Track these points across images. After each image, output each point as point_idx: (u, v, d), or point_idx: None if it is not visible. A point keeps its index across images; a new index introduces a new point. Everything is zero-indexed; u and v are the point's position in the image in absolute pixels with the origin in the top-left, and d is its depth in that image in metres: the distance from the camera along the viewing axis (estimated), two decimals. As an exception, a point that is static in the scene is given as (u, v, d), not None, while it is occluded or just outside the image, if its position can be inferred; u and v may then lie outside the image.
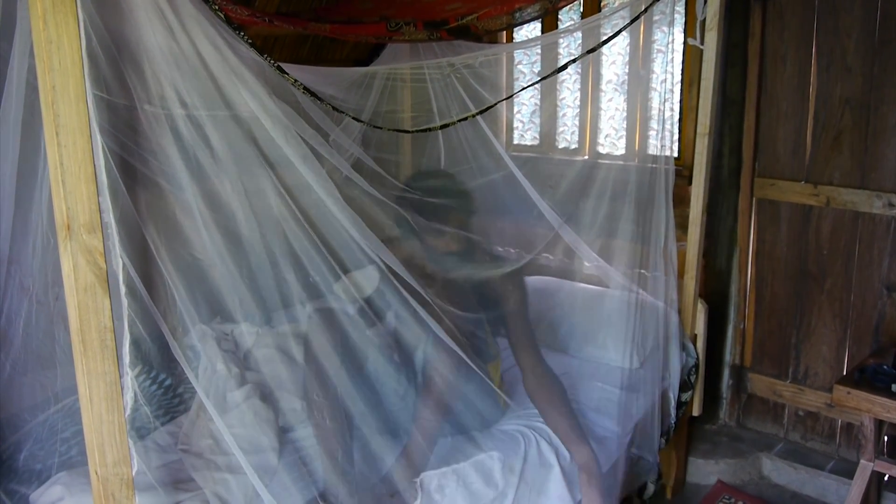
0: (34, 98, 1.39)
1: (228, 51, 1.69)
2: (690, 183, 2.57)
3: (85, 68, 1.04)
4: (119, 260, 1.25)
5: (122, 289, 1.26)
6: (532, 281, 2.77)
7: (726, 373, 3.06)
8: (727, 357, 3.04)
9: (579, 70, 3.02)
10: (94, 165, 1.03)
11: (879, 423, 2.34)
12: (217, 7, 1.41)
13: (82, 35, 0.98)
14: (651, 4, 2.14)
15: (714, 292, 2.94)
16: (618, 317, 2.40)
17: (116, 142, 1.66)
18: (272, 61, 1.57)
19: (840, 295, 2.73)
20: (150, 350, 1.82)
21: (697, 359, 2.64)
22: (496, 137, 2.68)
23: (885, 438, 2.44)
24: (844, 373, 2.68)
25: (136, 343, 1.55)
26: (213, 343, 2.22)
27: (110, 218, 1.18)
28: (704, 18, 2.38)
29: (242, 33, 1.56)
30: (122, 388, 1.16)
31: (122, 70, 1.64)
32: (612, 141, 3.05)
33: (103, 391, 1.07)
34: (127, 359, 1.33)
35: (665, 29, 2.57)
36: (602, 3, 3.04)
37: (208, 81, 1.75)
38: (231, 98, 1.88)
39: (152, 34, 1.57)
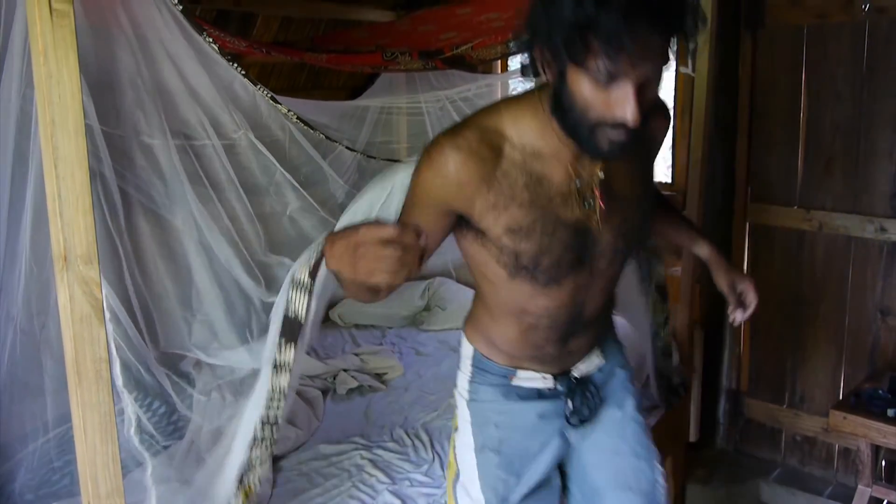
0: (28, 127, 1.41)
1: (219, 83, 1.71)
2: (684, 208, 2.58)
3: (83, 94, 1.05)
4: (113, 290, 1.26)
5: (107, 315, 1.27)
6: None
7: (723, 398, 3.05)
8: (724, 382, 3.04)
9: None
10: (91, 196, 1.04)
11: (876, 448, 2.33)
12: (211, 39, 1.43)
13: (86, 90, 1.00)
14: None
15: (709, 318, 2.94)
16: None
17: (109, 169, 1.67)
18: (266, 92, 1.59)
19: (835, 319, 2.74)
20: (143, 377, 1.82)
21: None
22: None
23: (883, 463, 2.44)
24: (840, 397, 2.68)
25: (127, 369, 1.55)
26: (209, 369, 2.21)
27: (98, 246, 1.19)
28: (695, 46, 2.41)
29: (236, 64, 1.58)
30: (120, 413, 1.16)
31: (111, 100, 1.66)
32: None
33: (98, 422, 1.07)
34: (119, 381, 1.33)
35: (657, 57, 2.61)
36: (595, 32, 3.08)
37: (197, 112, 1.77)
38: (223, 127, 1.90)
39: (143, 67, 1.60)
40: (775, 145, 2.79)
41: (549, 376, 1.32)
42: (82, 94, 1.00)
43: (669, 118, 1.29)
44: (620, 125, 1.01)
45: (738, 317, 1.44)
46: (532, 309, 1.22)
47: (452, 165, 1.09)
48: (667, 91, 2.70)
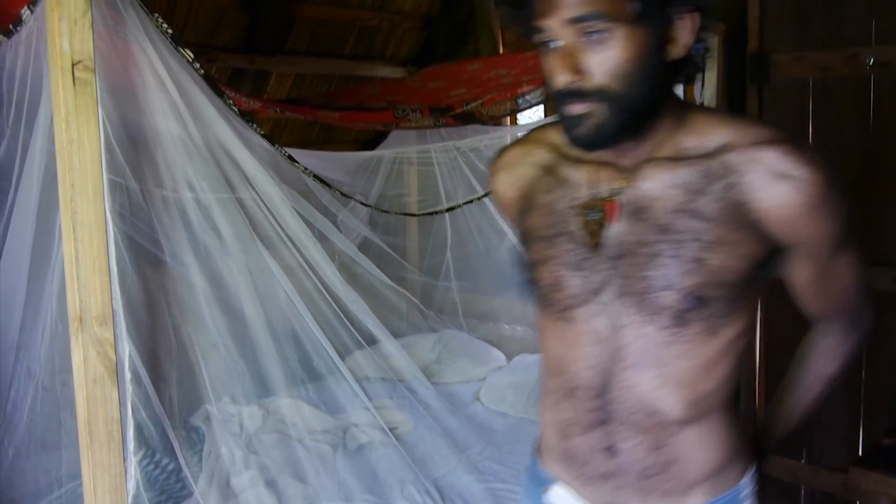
0: (52, 185, 1.44)
1: (238, 141, 1.75)
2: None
3: (103, 160, 1.08)
4: (126, 346, 1.27)
5: (128, 375, 1.27)
6: (532, 359, 2.76)
7: (739, 452, 2.99)
8: (739, 436, 2.99)
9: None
10: (108, 258, 1.06)
11: (898, 507, 2.27)
12: (231, 101, 1.47)
13: (101, 136, 1.03)
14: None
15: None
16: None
17: (127, 223, 1.70)
18: (283, 151, 1.62)
19: (851, 370, 2.70)
20: (152, 433, 1.81)
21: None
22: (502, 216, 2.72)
23: (906, 522, 2.37)
24: (861, 451, 2.63)
25: (138, 427, 1.55)
26: (218, 425, 2.20)
27: (119, 306, 1.20)
28: (703, 102, 2.45)
29: (254, 124, 1.62)
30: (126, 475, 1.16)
31: (136, 156, 1.70)
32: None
33: (108, 483, 1.07)
34: (131, 445, 1.33)
35: (664, 111, 2.65)
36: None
37: (217, 168, 1.82)
38: (237, 183, 1.94)
39: (166, 124, 1.64)
40: (784, 197, 2.80)
41: None
42: (119, 153, 1.02)
43: (805, 182, 0.88)
44: (565, 94, 0.88)
45: None
46: (553, 358, 1.02)
47: (498, 185, 1.09)
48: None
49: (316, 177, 1.74)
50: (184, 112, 1.57)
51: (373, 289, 2.68)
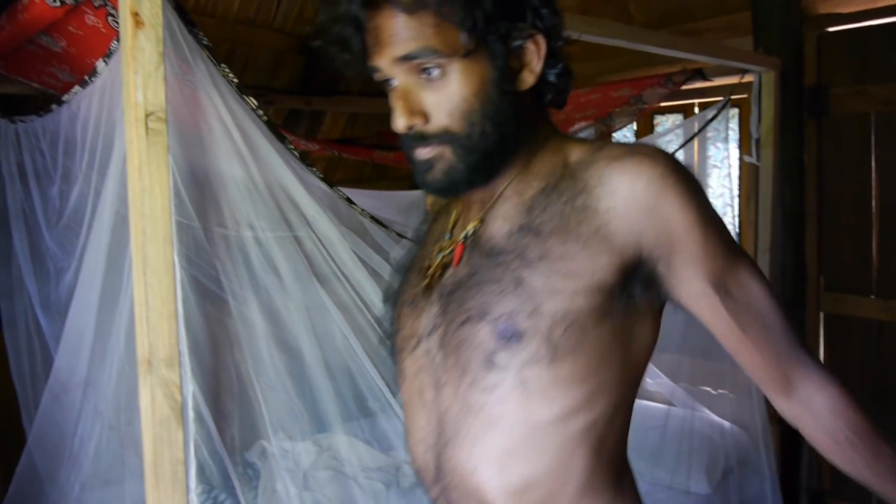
0: (121, 228, 1.50)
1: (297, 182, 1.80)
2: (753, 298, 2.52)
3: (171, 205, 1.12)
4: (189, 386, 1.30)
5: (191, 414, 1.30)
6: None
7: (804, 498, 2.88)
8: (804, 481, 2.87)
9: (634, 186, 3.07)
10: (175, 301, 1.09)
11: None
12: (291, 146, 1.51)
13: (171, 183, 1.07)
14: (704, 126, 2.19)
15: (785, 410, 2.81)
16: (682, 437, 2.32)
17: (192, 265, 1.76)
18: (341, 193, 1.66)
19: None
20: (212, 470, 1.84)
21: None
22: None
23: None
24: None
25: (199, 466, 1.58)
26: (273, 461, 2.22)
27: (184, 347, 1.24)
28: (759, 138, 2.41)
29: (312, 166, 1.66)
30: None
31: (201, 198, 1.76)
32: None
33: (171, 523, 1.09)
34: (193, 483, 1.36)
35: (720, 145, 2.62)
36: (654, 122, 3.11)
37: (276, 208, 1.86)
38: (295, 222, 1.98)
39: (230, 167, 1.69)
40: (847, 233, 2.72)
41: None
42: (185, 196, 1.06)
43: (644, 174, 0.76)
44: (410, 138, 0.82)
45: None
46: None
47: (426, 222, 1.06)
48: (732, 178, 2.69)
49: (374, 219, 1.77)
50: (246, 156, 1.61)
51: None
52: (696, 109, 3.09)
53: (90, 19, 1.49)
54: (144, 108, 1.06)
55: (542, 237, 0.77)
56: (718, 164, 2.70)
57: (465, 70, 0.78)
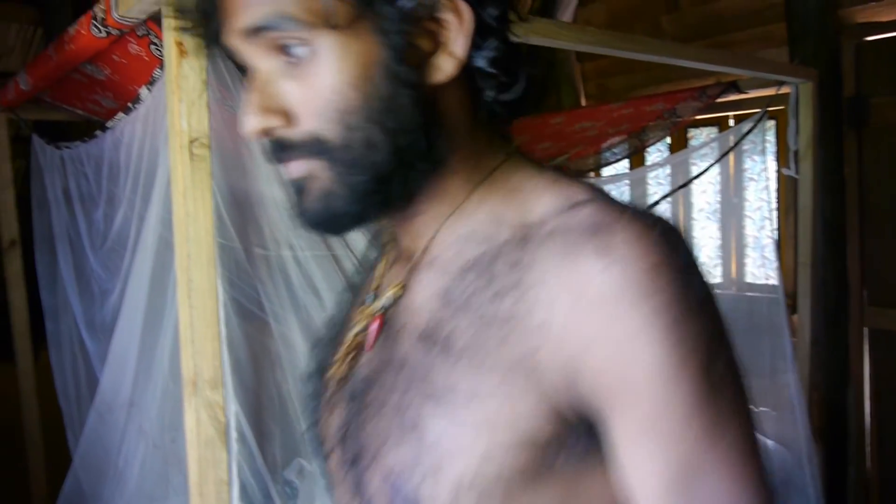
0: (165, 251, 1.54)
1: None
2: (794, 312, 2.48)
3: (214, 229, 1.15)
4: (232, 407, 1.32)
5: (234, 435, 1.32)
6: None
7: (851, 518, 2.80)
8: (850, 502, 2.79)
9: (670, 200, 3.04)
10: (219, 323, 1.11)
11: None
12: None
13: (215, 208, 1.09)
14: (740, 140, 2.17)
15: (829, 430, 2.75)
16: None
17: (234, 287, 1.79)
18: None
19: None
20: (254, 490, 1.85)
21: None
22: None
23: None
24: None
25: (242, 486, 1.60)
26: (311, 479, 2.23)
27: (227, 368, 1.26)
28: (797, 150, 2.38)
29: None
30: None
31: (242, 219, 1.80)
32: (707, 269, 3.01)
33: (216, 544, 1.10)
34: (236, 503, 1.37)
35: (756, 157, 2.59)
36: (688, 136, 3.09)
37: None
38: (334, 241, 2.01)
39: (270, 189, 1.73)
40: (890, 245, 2.66)
41: None
42: (227, 219, 1.08)
43: (602, 277, 0.49)
44: (274, 146, 0.60)
45: None
46: None
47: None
48: (770, 190, 2.65)
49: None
50: (285, 177, 1.64)
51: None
52: (731, 122, 3.06)
53: (133, 48, 1.53)
54: (189, 135, 1.09)
55: (450, 356, 0.54)
56: (755, 177, 2.66)
57: (341, 49, 0.53)
